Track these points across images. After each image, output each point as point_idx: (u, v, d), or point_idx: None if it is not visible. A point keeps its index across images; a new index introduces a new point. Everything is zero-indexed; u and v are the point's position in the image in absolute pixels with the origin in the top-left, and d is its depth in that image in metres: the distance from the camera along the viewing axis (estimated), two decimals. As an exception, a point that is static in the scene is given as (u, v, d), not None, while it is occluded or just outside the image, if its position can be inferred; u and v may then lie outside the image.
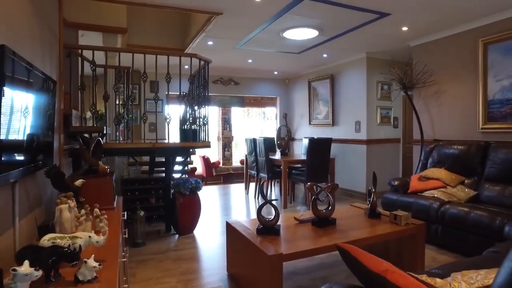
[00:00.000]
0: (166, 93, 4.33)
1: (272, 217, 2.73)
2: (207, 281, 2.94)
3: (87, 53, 3.85)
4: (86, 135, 3.60)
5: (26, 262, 1.14)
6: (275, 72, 8.47)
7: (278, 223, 2.77)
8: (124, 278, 2.39)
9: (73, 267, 1.34)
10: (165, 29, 5.94)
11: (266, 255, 2.20)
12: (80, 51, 3.84)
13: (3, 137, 1.45)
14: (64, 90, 3.32)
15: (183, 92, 4.26)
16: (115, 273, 1.40)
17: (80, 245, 1.45)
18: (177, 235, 4.27)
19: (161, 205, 4.41)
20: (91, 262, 1.31)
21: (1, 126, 1.42)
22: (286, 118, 9.13)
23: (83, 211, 1.98)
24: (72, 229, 1.82)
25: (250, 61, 6.96)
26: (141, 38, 5.66)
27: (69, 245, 1.42)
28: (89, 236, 1.51)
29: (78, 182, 2.34)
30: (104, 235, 1.65)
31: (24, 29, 2.11)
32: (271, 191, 7.15)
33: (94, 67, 3.73)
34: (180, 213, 4.24)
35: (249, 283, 2.62)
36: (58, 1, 3.22)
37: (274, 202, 2.73)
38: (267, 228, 2.65)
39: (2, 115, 1.41)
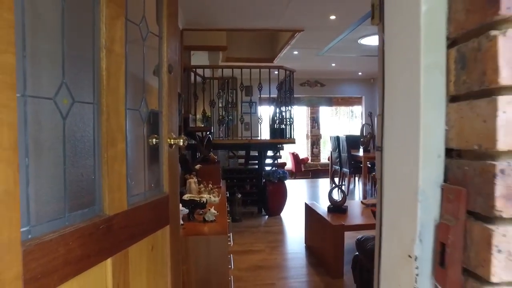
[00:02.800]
0: (259, 96, 5.23)
1: (341, 199, 3.35)
2: (289, 248, 3.71)
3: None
4: (199, 133, 4.72)
5: (180, 205, 2.06)
6: (359, 73, 8.76)
7: (348, 205, 3.36)
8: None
9: (201, 215, 2.23)
10: (257, 43, 6.90)
11: (331, 225, 2.85)
12: (194, 69, 5.00)
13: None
14: (183, 99, 4.47)
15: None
16: (225, 219, 2.27)
17: (206, 199, 2.36)
18: (267, 216, 5.14)
19: (254, 191, 5.34)
20: (212, 210, 2.19)
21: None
22: (371, 117, 9.31)
23: (201, 186, 2.93)
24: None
25: (333, 64, 7.47)
26: (238, 52, 6.70)
27: (199, 199, 2.33)
28: (210, 196, 2.41)
29: (197, 167, 3.35)
30: (216, 198, 2.54)
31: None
32: (354, 185, 7.55)
33: (204, 81, 4.84)
34: (269, 197, 5.10)
35: (320, 252, 3.29)
36: (180, 33, 4.36)
37: (343, 188, 3.34)
38: (336, 208, 3.28)
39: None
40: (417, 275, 0.58)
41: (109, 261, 1.05)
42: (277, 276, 3.00)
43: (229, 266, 2.14)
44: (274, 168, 5.82)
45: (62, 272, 0.81)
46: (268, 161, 6.17)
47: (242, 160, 6.14)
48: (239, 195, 4.88)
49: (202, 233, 2.04)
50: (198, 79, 4.95)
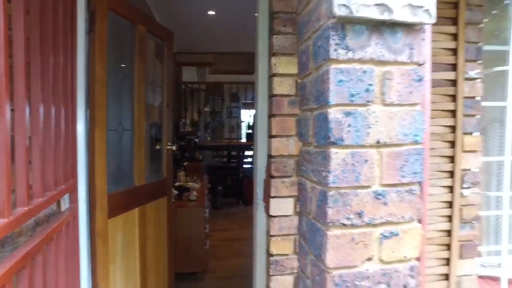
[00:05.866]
0: (243, 101, 6.28)
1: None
2: (256, 228, 4.76)
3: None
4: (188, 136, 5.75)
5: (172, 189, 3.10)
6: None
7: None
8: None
9: (187, 196, 3.27)
10: (242, 57, 7.93)
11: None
12: (185, 84, 6.03)
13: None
14: (175, 109, 5.48)
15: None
16: (203, 200, 3.31)
17: (190, 186, 3.40)
18: (243, 205, 6.20)
19: (234, 185, 6.38)
20: (195, 193, 3.23)
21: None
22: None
23: (188, 178, 3.97)
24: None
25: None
26: (224, 65, 7.70)
27: (186, 185, 3.38)
28: (193, 184, 3.45)
29: (185, 163, 4.38)
30: (198, 185, 3.59)
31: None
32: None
33: (193, 93, 5.87)
34: (246, 190, 6.15)
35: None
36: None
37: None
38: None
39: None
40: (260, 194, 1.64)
41: (136, 209, 2.10)
42: (244, 244, 4.04)
43: (205, 229, 3.19)
44: (251, 166, 6.89)
45: (119, 209, 1.87)
46: (249, 159, 7.23)
47: (225, 159, 7.18)
48: (220, 188, 5.93)
49: (188, 206, 3.09)
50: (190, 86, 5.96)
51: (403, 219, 0.81)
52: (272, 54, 1.57)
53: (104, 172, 1.72)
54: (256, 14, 1.71)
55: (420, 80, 0.81)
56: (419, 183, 0.82)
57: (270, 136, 1.57)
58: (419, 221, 0.84)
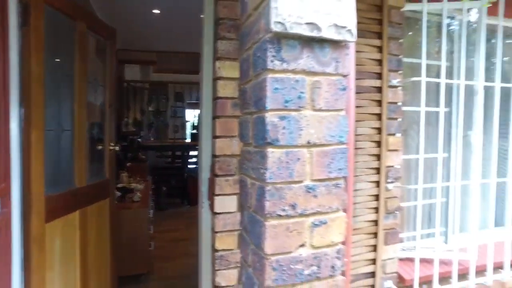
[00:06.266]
0: (188, 101, 6.22)
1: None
2: (202, 227, 4.78)
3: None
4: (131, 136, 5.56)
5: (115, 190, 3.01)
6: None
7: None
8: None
9: (131, 197, 3.20)
10: (188, 56, 7.84)
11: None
12: (127, 82, 5.81)
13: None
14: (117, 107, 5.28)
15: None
16: (147, 201, 3.26)
17: (133, 187, 3.33)
18: (188, 205, 6.16)
19: (178, 185, 6.31)
20: (139, 194, 3.17)
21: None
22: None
23: (131, 179, 3.87)
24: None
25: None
26: (169, 63, 7.56)
27: (129, 186, 3.29)
28: (137, 185, 3.38)
29: (128, 164, 4.25)
30: (141, 186, 3.52)
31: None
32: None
33: (135, 91, 5.69)
34: (190, 190, 6.12)
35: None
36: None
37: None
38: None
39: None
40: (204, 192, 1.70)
41: (77, 212, 2.04)
42: (190, 243, 4.04)
43: (149, 230, 3.14)
44: (196, 166, 6.86)
45: (58, 213, 1.81)
46: (194, 159, 7.19)
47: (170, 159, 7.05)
48: (165, 188, 5.82)
49: (131, 207, 3.03)
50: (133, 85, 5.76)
51: (331, 209, 0.93)
52: (216, 58, 1.64)
53: (42, 174, 1.65)
54: (202, 16, 1.76)
55: (344, 89, 0.94)
56: (344, 178, 0.95)
57: (214, 137, 1.63)
58: (344, 210, 0.97)
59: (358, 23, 1.93)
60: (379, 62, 2.00)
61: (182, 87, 7.73)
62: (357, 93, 1.93)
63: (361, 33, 1.95)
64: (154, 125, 6.99)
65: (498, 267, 2.27)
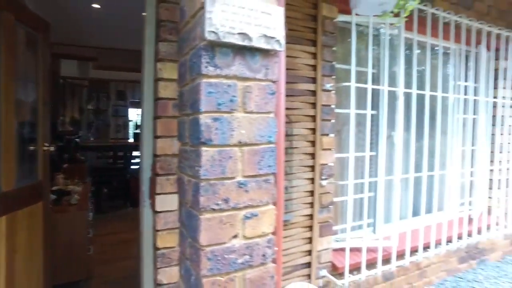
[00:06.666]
0: (131, 100, 6.01)
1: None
2: (146, 229, 4.67)
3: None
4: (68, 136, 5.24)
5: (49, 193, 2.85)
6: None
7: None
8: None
9: (67, 200, 3.05)
10: (130, 53, 7.56)
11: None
12: (64, 78, 5.46)
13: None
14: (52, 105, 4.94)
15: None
16: (86, 203, 3.13)
17: (70, 189, 3.17)
18: (131, 207, 5.96)
19: (121, 187, 6.07)
20: (76, 196, 3.03)
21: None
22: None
23: (68, 181, 3.67)
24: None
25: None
26: (110, 60, 7.23)
27: (65, 188, 3.13)
28: (74, 187, 3.23)
29: (65, 166, 4.02)
30: (79, 188, 3.36)
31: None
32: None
33: (73, 88, 5.37)
34: (133, 192, 5.93)
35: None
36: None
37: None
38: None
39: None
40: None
41: (3, 218, 1.92)
42: (133, 246, 3.94)
43: (89, 233, 3.02)
44: (139, 166, 6.65)
45: None
46: (137, 160, 6.95)
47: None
48: (106, 190, 5.58)
49: (68, 211, 2.88)
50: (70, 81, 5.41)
51: (261, 203, 1.03)
52: (158, 59, 1.66)
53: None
54: (144, 14, 1.76)
55: (273, 93, 1.04)
56: (273, 174, 1.05)
57: (156, 137, 1.65)
58: (274, 203, 1.07)
59: (295, 31, 2.08)
60: (314, 67, 2.16)
61: (125, 86, 7.45)
62: (293, 96, 2.07)
63: (298, 40, 2.10)
64: (94, 125, 6.66)
65: (414, 251, 2.58)
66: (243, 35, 0.96)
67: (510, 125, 3.24)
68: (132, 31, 3.61)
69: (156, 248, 1.71)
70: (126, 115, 8.26)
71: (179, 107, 1.12)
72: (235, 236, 0.99)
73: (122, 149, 6.05)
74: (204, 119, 0.90)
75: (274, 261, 1.09)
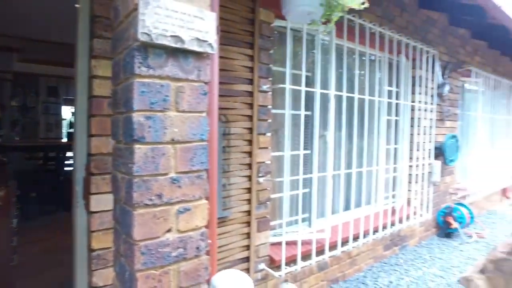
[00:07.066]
0: (65, 97, 5.60)
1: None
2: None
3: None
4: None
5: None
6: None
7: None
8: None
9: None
10: (61, 46, 7.04)
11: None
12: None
13: None
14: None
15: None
16: (8, 208, 2.89)
17: (-9, 193, 2.90)
18: (65, 212, 5.58)
19: (53, 190, 5.65)
20: (-2, 200, 2.78)
21: None
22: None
23: (-11, 184, 3.34)
24: (-17, 191, 3.19)
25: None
26: (39, 54, 6.67)
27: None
28: (-4, 190, 2.95)
29: (-16, 168, 3.65)
30: (2, 193, 3.09)
31: None
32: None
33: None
34: (67, 194, 5.56)
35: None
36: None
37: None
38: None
39: None
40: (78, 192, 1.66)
41: None
42: (65, 253, 3.71)
43: (12, 242, 2.80)
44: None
45: None
46: (71, 161, 6.51)
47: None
48: (34, 194, 5.16)
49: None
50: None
51: (194, 198, 1.08)
52: (93, 56, 1.63)
53: None
54: (77, 6, 1.70)
55: (205, 94, 1.10)
56: (206, 170, 1.11)
57: (90, 135, 1.62)
58: (207, 198, 1.13)
59: (233, 33, 2.16)
60: (251, 69, 2.26)
61: (58, 81, 6.92)
62: (230, 96, 2.15)
63: (235, 43, 2.18)
64: (20, 123, 6.10)
65: (345, 242, 2.81)
66: (176, 37, 1.00)
67: (425, 126, 3.66)
68: (65, 23, 3.40)
69: (91, 250, 1.67)
70: (58, 113, 7.68)
71: (112, 105, 1.13)
72: (168, 230, 1.03)
73: (54, 149, 5.64)
74: (137, 117, 0.93)
75: (208, 253, 1.15)
